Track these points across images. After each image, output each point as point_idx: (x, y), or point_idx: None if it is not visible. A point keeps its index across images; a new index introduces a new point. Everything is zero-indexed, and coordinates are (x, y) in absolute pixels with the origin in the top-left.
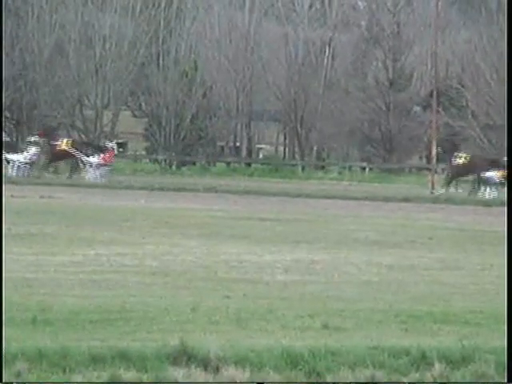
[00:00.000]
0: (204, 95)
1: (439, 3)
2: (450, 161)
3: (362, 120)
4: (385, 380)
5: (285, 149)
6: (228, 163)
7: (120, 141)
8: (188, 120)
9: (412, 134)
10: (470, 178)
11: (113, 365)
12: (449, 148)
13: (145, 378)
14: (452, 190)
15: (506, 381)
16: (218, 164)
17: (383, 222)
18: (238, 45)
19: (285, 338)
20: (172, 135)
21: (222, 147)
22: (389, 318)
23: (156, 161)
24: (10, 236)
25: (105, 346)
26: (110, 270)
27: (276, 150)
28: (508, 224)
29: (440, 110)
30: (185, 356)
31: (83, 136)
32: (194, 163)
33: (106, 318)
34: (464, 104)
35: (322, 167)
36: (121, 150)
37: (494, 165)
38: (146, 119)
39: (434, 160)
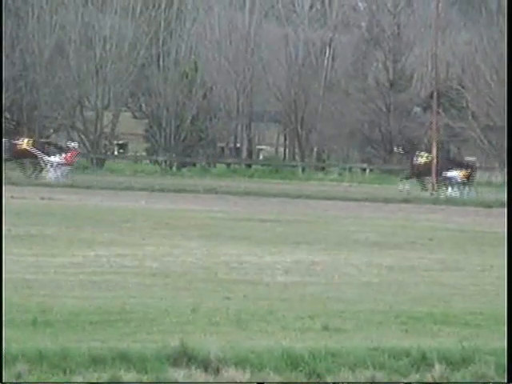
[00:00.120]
0: (204, 96)
1: (439, 4)
2: (412, 160)
3: (362, 121)
4: (385, 381)
5: (285, 150)
6: (228, 164)
7: (120, 142)
8: (188, 121)
9: (412, 135)
10: (432, 177)
11: (113, 366)
12: (409, 147)
13: (145, 379)
14: (406, 187)
15: (506, 381)
16: (218, 165)
17: (383, 223)
18: (238, 46)
19: (285, 339)
20: (172, 136)
21: (223, 148)
22: (389, 319)
23: (156, 162)
24: (10, 237)
25: (105, 347)
26: (110, 271)
27: (276, 151)
28: (508, 225)
29: (440, 111)
30: (185, 357)
31: (83, 137)
32: (195, 164)
33: (106, 320)
34: (464, 105)
35: (323, 168)
36: (121, 150)
37: (456, 165)
38: (147, 120)
39: (435, 161)
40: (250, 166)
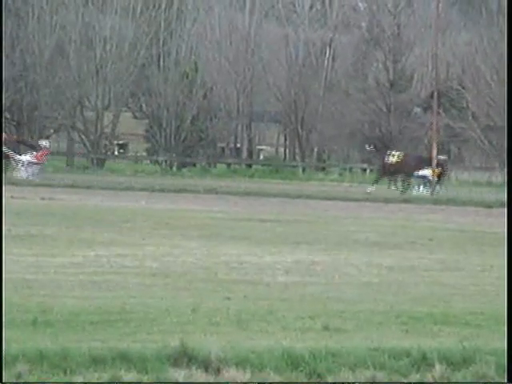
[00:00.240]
0: (204, 96)
1: (440, 5)
2: (383, 159)
3: (362, 121)
4: (385, 381)
5: (285, 150)
6: (228, 164)
7: (121, 142)
8: (189, 121)
9: (412, 135)
10: (403, 176)
11: (113, 366)
12: (381, 146)
13: (145, 379)
14: (373, 188)
15: (506, 381)
16: (218, 165)
17: (383, 223)
18: (238, 46)
19: (285, 340)
20: (173, 136)
21: (223, 148)
22: (389, 320)
23: (156, 162)
24: (10, 237)
25: (105, 347)
26: (110, 271)
27: (276, 151)
28: (508, 225)
29: (441, 111)
30: (185, 357)
31: (84, 137)
32: (195, 164)
33: (106, 320)
34: (464, 105)
35: (323, 168)
36: (121, 151)
37: (427, 163)
38: (147, 120)
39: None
40: (250, 166)
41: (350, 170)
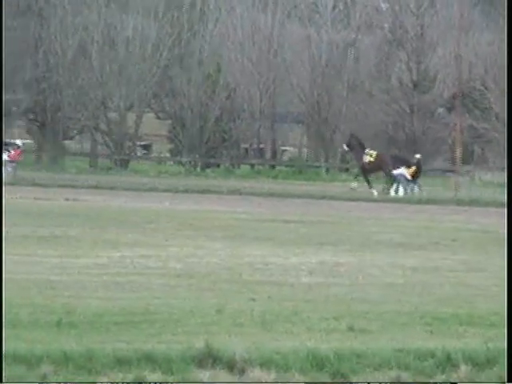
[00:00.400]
0: (228, 97)
1: (462, 5)
2: (361, 158)
3: (385, 122)
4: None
5: (308, 151)
6: (252, 165)
7: (144, 143)
8: (212, 122)
9: (436, 136)
10: (381, 175)
11: (138, 367)
12: (356, 145)
13: (170, 379)
14: (355, 185)
15: (506, 381)
16: (242, 166)
17: (407, 224)
18: (261, 47)
19: (310, 341)
20: (196, 137)
21: (246, 149)
22: (414, 320)
23: (180, 163)
24: (34, 238)
25: (130, 348)
26: (134, 272)
27: (300, 152)
28: (508, 225)
29: (464, 111)
30: (210, 358)
31: (107, 138)
32: (218, 165)
33: (130, 321)
34: (487, 106)
35: (346, 169)
36: (145, 151)
37: (402, 162)
38: (170, 121)
39: (458, 162)
40: (273, 166)
41: None
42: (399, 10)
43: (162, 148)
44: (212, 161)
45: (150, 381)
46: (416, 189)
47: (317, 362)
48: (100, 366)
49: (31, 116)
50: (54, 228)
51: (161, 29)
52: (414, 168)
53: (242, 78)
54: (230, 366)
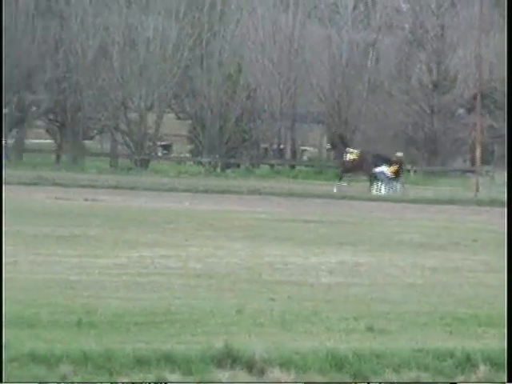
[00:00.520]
0: (248, 97)
1: (483, 5)
2: (342, 156)
3: (405, 122)
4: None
5: (328, 151)
6: (272, 165)
7: (164, 143)
8: (232, 122)
9: (456, 136)
10: (363, 173)
11: (158, 367)
12: (339, 143)
13: (190, 380)
14: (344, 184)
15: (506, 381)
16: (262, 166)
17: (427, 224)
18: (281, 47)
19: (329, 341)
20: (216, 137)
21: (266, 149)
22: (433, 321)
23: (200, 163)
24: (54, 238)
25: (150, 348)
26: (155, 273)
27: (319, 152)
28: (508, 225)
29: (484, 112)
30: (230, 358)
31: (127, 138)
32: (238, 165)
33: (150, 321)
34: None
35: None
36: (165, 152)
37: (384, 161)
38: (190, 121)
39: (479, 162)
40: (293, 166)
41: None
42: (419, 11)
43: (182, 148)
44: (232, 161)
45: (169, 381)
46: (398, 187)
47: (336, 362)
48: (119, 366)
49: (51, 116)
50: (73, 228)
51: (181, 29)
52: (395, 166)
53: (263, 79)
54: (250, 366)
